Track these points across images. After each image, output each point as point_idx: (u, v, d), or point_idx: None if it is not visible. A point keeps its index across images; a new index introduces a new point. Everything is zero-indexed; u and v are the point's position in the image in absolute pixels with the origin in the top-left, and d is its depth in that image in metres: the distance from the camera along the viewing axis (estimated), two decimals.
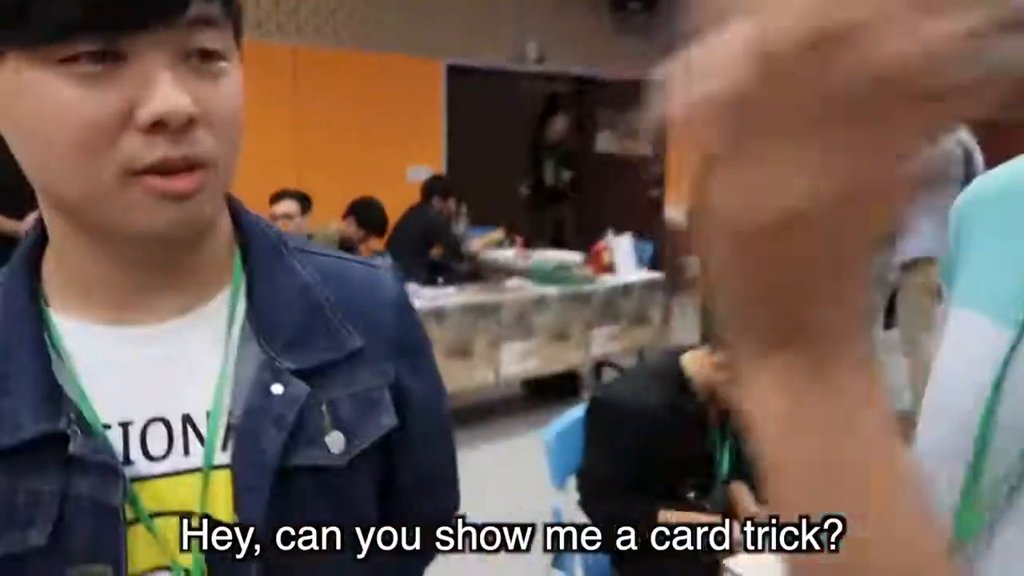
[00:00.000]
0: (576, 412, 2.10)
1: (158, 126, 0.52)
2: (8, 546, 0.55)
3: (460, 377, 3.90)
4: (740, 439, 1.84)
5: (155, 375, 0.62)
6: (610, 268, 4.62)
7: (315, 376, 0.64)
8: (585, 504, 1.83)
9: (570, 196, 7.81)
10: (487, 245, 5.22)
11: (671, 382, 1.77)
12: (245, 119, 0.60)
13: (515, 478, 3.46)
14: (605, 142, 7.26)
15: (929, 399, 0.59)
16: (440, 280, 4.24)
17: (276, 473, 0.61)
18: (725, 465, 1.83)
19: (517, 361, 4.14)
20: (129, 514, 0.58)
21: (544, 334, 4.25)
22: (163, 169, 0.54)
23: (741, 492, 1.80)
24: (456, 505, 0.83)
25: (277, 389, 0.62)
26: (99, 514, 0.57)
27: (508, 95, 7.10)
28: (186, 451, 0.61)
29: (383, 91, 5.69)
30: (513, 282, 4.35)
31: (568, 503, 2.05)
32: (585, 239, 5.34)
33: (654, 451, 1.72)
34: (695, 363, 1.78)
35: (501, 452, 3.79)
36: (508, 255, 5.14)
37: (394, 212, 4.48)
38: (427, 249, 4.78)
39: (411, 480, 0.74)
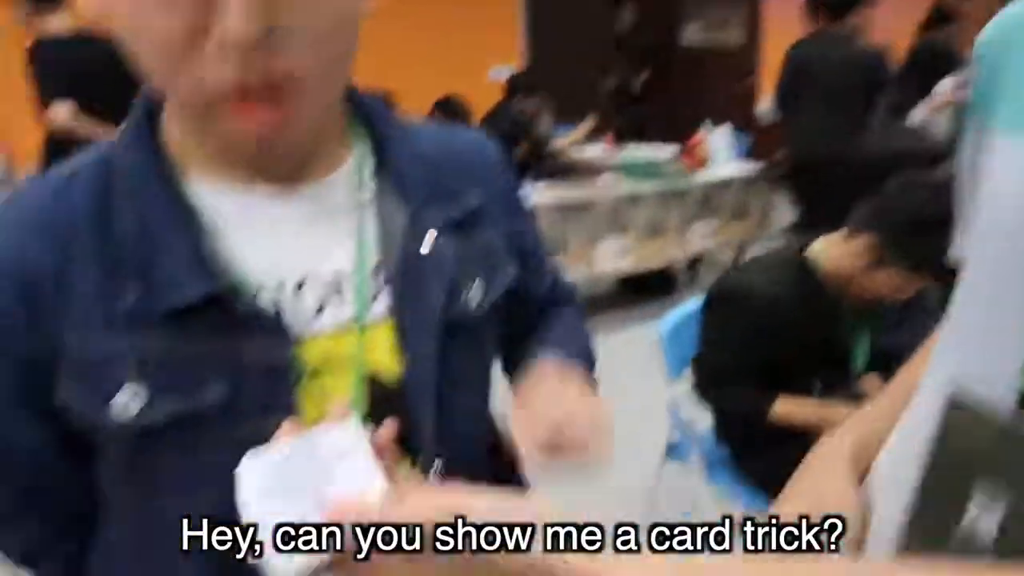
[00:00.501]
0: (689, 305, 2.03)
1: (230, 46, 0.48)
2: (187, 404, 0.57)
3: None
4: (876, 331, 1.72)
5: (300, 235, 0.62)
6: (705, 162, 4.41)
7: (452, 233, 0.67)
8: (700, 389, 1.77)
9: (654, 91, 7.47)
10: (574, 142, 5.06)
11: (798, 271, 1.66)
12: None
13: (616, 374, 3.43)
14: (692, 34, 6.91)
15: (981, 220, 0.56)
16: (528, 178, 4.15)
17: (440, 325, 0.63)
18: (860, 357, 1.72)
19: (612, 258, 4.05)
20: (294, 370, 0.60)
21: (639, 231, 4.13)
22: (242, 95, 0.51)
23: (874, 386, 1.69)
24: (568, 285, 0.89)
25: (427, 245, 0.64)
26: (268, 372, 0.59)
27: None
28: (339, 309, 0.62)
29: None
30: (604, 179, 4.21)
31: (680, 398, 2.00)
32: (675, 134, 5.10)
33: (780, 341, 1.62)
34: (826, 251, 1.65)
35: (600, 349, 3.75)
36: (597, 152, 4.97)
37: (477, 112, 4.37)
38: (512, 148, 4.67)
39: (532, 324, 0.82)
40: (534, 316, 0.83)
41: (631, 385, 2.70)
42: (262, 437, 0.51)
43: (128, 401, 0.56)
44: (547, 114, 5.22)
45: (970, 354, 0.55)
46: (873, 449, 0.68)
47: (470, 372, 0.69)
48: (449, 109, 4.16)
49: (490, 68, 5.71)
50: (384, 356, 0.63)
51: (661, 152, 4.65)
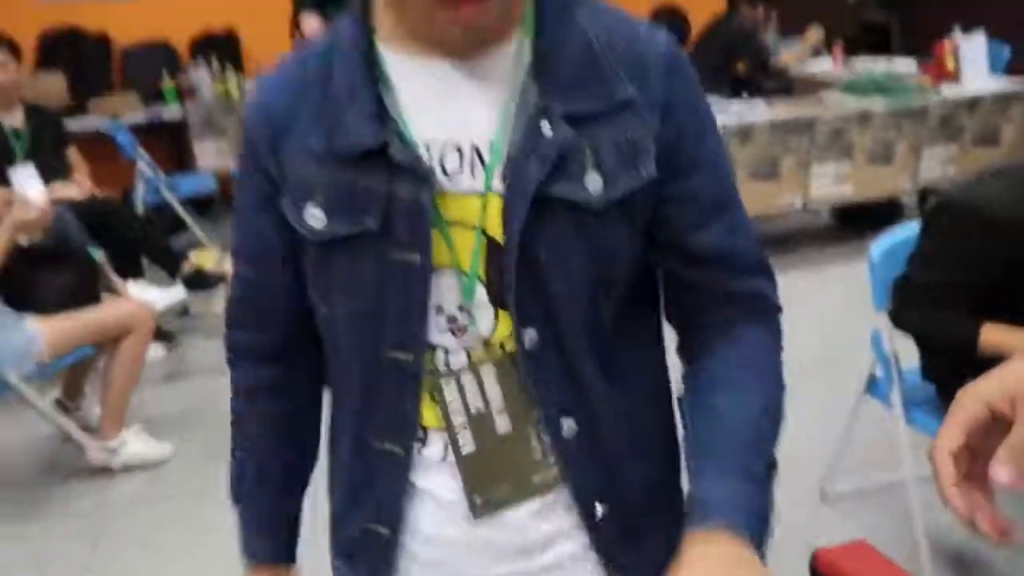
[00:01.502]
0: (904, 231, 1.86)
1: None
2: (351, 228, 0.71)
3: (763, 200, 3.67)
4: None
5: (455, 105, 0.71)
6: (952, 76, 3.92)
7: (586, 122, 0.69)
8: (900, 311, 1.65)
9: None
10: (800, 57, 4.69)
11: None
12: None
13: (822, 311, 3.25)
14: None
15: None
16: (745, 94, 3.93)
17: (533, 201, 0.68)
18: None
19: (829, 185, 3.77)
20: (431, 215, 0.70)
21: (863, 155, 3.80)
22: None
23: None
24: (764, 289, 0.78)
25: (546, 129, 0.68)
26: (414, 212, 0.69)
27: None
28: (472, 174, 0.70)
29: None
30: (830, 95, 3.88)
31: (885, 330, 1.86)
32: (917, 44, 4.55)
33: (1006, 265, 1.46)
34: None
35: (807, 283, 3.56)
36: (825, 66, 4.59)
37: (696, 23, 4.17)
38: (730, 62, 4.43)
39: (697, 247, 0.75)
40: (704, 292, 0.77)
41: (839, 324, 2.55)
42: (406, 262, 0.69)
43: (312, 218, 0.72)
44: (771, 25, 4.87)
45: None
46: None
47: (574, 258, 0.70)
48: (666, 18, 4.02)
49: None
50: (495, 223, 0.70)
51: (900, 65, 4.20)
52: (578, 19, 0.71)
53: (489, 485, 0.76)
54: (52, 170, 3.32)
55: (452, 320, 0.73)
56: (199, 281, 3.41)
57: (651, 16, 4.07)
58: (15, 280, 2.47)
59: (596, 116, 0.69)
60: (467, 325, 0.73)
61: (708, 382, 0.76)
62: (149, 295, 3.16)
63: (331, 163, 0.71)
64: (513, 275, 0.70)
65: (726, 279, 0.76)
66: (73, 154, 3.59)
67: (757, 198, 3.62)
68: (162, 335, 3.39)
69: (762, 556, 0.67)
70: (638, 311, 0.79)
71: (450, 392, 0.75)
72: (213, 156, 4.91)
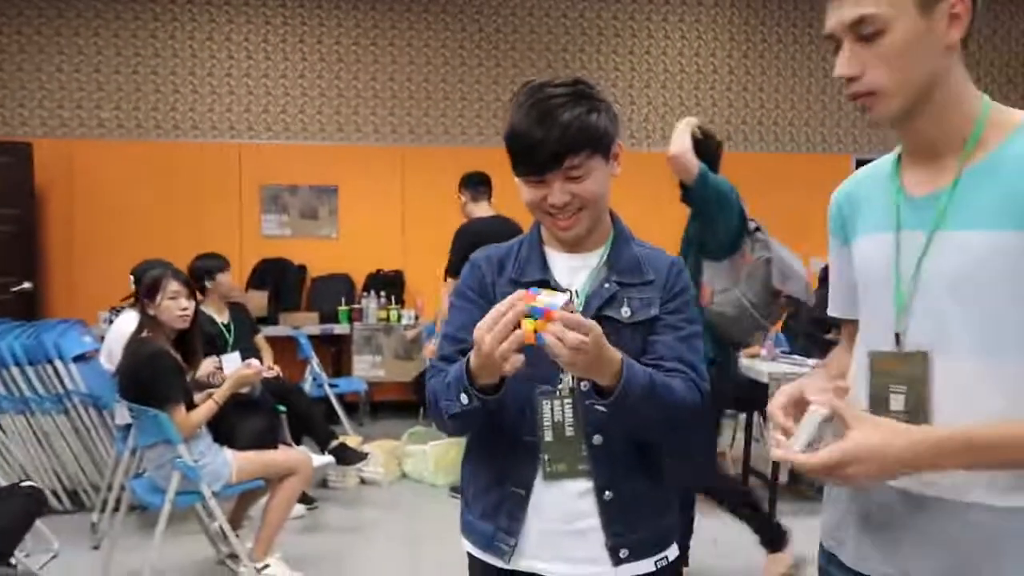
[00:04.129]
0: None
1: (552, 205, 1.34)
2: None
3: None
4: None
5: (574, 272, 1.42)
6: None
7: (627, 285, 1.39)
8: None
9: None
10: None
11: None
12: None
13: None
14: None
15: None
16: None
17: (594, 316, 1.31)
18: None
19: None
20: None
21: None
22: (554, 214, 1.35)
23: None
24: (690, 399, 1.32)
25: (607, 287, 1.39)
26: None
27: None
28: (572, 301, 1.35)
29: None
30: None
31: None
32: None
33: None
34: None
35: None
36: None
37: None
38: (828, 329, 4.98)
39: (663, 349, 1.37)
40: (664, 364, 1.34)
41: None
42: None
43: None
44: None
45: (873, 329, 1.15)
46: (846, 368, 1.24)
47: (621, 349, 1.25)
48: None
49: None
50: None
51: None
52: (631, 242, 1.45)
53: (556, 462, 1.35)
54: (249, 353, 4.27)
55: None
56: (344, 454, 4.12)
57: None
58: (222, 420, 3.27)
59: (632, 284, 1.39)
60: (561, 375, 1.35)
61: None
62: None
63: (519, 286, 1.30)
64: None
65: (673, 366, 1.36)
66: (261, 343, 4.57)
67: None
68: (305, 499, 4.06)
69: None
70: None
71: (547, 408, 1.36)
72: (367, 368, 5.87)
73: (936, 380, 1.07)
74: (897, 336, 1.11)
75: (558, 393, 1.35)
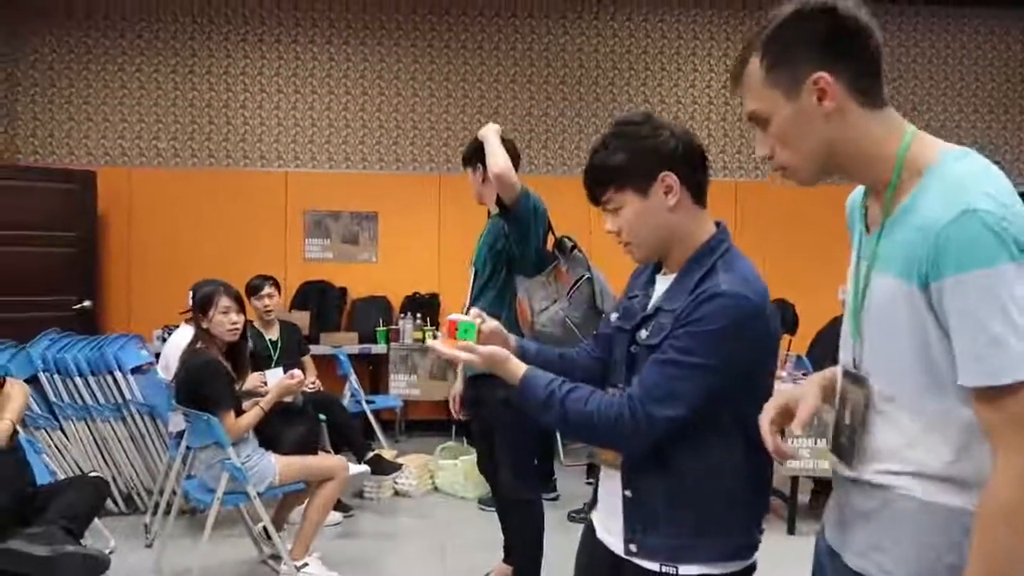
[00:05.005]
0: None
1: (610, 233, 1.54)
2: (624, 323, 1.60)
3: None
4: None
5: (657, 293, 1.55)
6: None
7: (664, 310, 1.47)
8: None
9: None
10: None
11: None
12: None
13: None
14: None
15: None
16: None
17: (627, 339, 1.54)
18: None
19: None
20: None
21: None
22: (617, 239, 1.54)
23: None
24: (654, 414, 1.41)
25: (649, 310, 1.51)
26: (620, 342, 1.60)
27: None
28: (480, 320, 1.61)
29: None
30: None
31: None
32: None
33: None
34: None
35: None
36: None
37: (806, 314, 4.97)
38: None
39: (642, 369, 1.46)
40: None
41: None
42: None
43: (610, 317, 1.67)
44: None
45: (845, 349, 1.27)
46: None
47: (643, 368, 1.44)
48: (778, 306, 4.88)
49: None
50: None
51: None
52: (704, 269, 1.44)
53: (600, 453, 1.56)
54: (293, 368, 4.54)
55: None
56: (379, 465, 4.34)
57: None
58: (267, 426, 3.51)
59: (669, 310, 1.44)
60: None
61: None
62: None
63: (626, 298, 1.60)
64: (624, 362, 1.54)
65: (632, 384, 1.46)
66: (308, 361, 4.84)
67: None
68: (341, 506, 4.28)
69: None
70: None
71: None
72: (403, 386, 6.10)
73: (874, 405, 1.18)
74: (854, 360, 1.22)
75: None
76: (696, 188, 1.50)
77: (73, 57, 6.38)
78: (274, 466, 3.38)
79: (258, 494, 3.31)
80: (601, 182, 1.49)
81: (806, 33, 1.13)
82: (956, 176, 1.08)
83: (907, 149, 1.14)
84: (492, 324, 1.59)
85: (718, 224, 1.54)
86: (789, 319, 4.89)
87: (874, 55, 1.14)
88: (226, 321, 3.38)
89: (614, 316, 1.62)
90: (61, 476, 3.75)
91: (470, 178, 3.20)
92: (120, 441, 4.26)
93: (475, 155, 3.09)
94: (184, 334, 3.89)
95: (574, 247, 3.04)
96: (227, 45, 6.50)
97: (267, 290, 4.58)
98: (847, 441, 1.22)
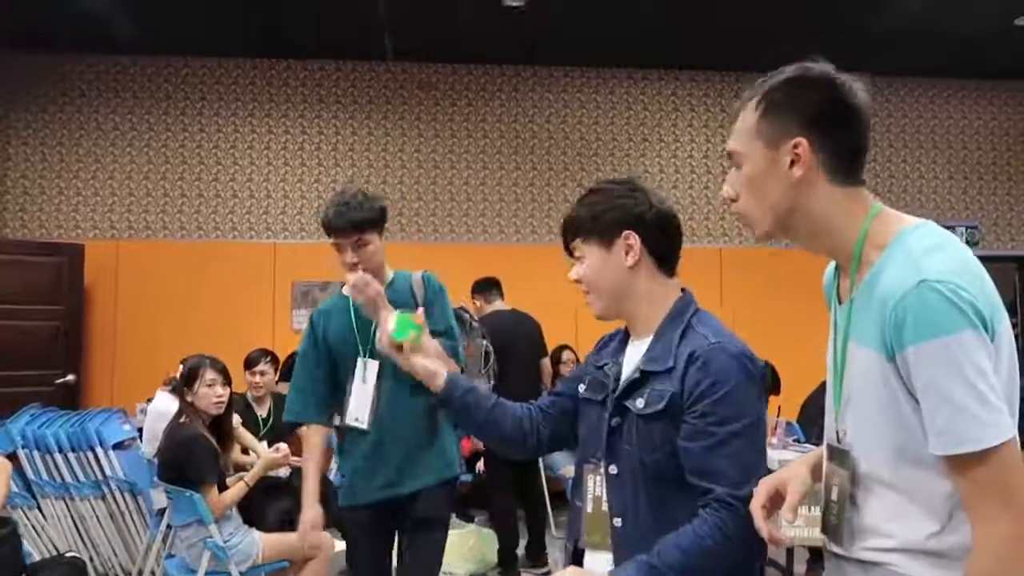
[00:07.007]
0: None
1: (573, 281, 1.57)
2: (594, 395, 1.58)
3: None
4: None
5: (627, 356, 1.53)
6: None
7: (651, 374, 1.43)
8: None
9: None
10: None
11: None
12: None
13: None
14: None
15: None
16: None
17: (614, 405, 1.47)
18: None
19: None
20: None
21: None
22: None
23: None
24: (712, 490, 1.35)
25: (634, 375, 1.45)
26: (601, 409, 1.53)
27: None
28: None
29: None
30: None
31: None
32: None
33: None
34: None
35: None
36: None
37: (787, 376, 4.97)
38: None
39: (689, 461, 1.38)
40: (689, 477, 1.37)
41: None
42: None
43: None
44: None
45: (830, 422, 1.26)
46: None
47: (635, 440, 1.39)
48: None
49: None
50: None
51: None
52: (680, 329, 1.45)
53: (592, 533, 1.50)
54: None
55: None
56: None
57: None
58: (251, 502, 3.44)
59: (655, 373, 1.41)
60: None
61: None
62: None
63: (596, 366, 1.56)
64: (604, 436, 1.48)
65: (701, 490, 1.37)
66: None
67: None
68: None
69: None
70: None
71: (591, 481, 1.49)
72: None
73: (859, 481, 1.17)
74: (837, 433, 1.21)
75: (600, 468, 1.47)
76: (663, 254, 1.52)
77: (65, 134, 6.47)
78: (258, 543, 3.30)
79: (241, 574, 3.22)
80: (570, 231, 1.55)
81: (802, 97, 1.16)
82: (913, 248, 1.10)
83: (869, 225, 1.16)
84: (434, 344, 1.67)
85: (683, 290, 1.56)
86: (769, 379, 4.88)
87: (860, 136, 1.17)
88: (211, 394, 3.35)
89: (581, 387, 1.59)
90: (37, 557, 3.64)
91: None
92: (99, 519, 4.15)
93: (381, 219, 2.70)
94: (163, 400, 3.84)
95: (472, 319, 3.19)
96: (218, 119, 6.61)
97: (260, 367, 4.50)
98: (835, 519, 1.21)
